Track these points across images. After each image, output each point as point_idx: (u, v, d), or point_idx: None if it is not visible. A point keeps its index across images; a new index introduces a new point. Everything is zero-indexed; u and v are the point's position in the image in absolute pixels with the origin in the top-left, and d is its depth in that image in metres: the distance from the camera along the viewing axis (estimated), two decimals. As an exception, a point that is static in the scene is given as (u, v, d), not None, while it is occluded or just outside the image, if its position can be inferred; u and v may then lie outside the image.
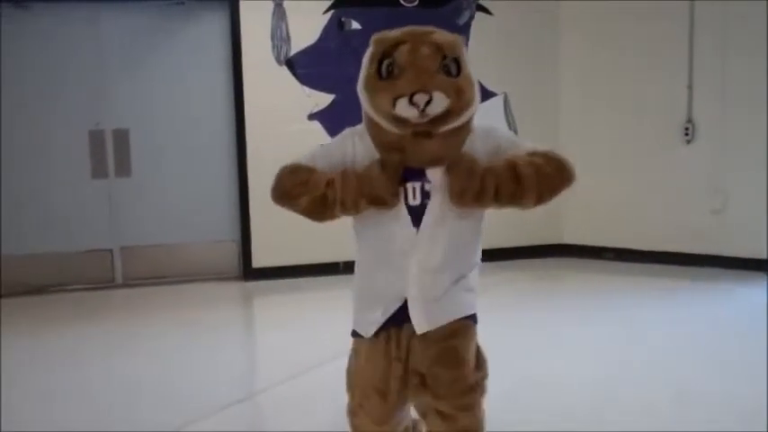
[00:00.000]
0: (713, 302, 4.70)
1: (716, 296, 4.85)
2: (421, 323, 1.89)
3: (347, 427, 2.09)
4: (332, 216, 1.87)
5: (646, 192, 5.82)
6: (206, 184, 5.75)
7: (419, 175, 1.84)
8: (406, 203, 1.85)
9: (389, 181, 1.80)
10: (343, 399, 2.08)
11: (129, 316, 4.90)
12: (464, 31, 5.77)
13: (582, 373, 3.41)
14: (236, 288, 5.62)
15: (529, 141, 1.94)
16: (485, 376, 2.01)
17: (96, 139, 5.57)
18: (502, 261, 5.64)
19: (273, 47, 5.58)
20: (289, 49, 5.60)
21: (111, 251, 5.68)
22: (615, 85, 5.88)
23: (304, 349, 3.88)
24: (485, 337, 2.06)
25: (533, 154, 1.86)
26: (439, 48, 1.77)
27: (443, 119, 1.77)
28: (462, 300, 1.95)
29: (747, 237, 5.40)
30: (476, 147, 1.86)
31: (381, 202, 1.81)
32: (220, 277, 5.77)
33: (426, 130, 1.77)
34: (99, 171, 5.59)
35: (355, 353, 2.03)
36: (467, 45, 2.09)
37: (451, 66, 1.78)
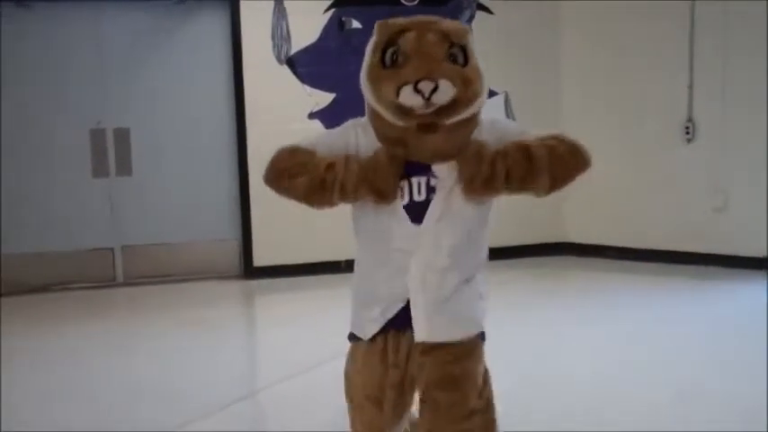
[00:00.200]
0: (714, 301, 4.70)
1: (716, 295, 4.85)
2: (422, 329, 1.78)
3: (347, 426, 2.06)
4: (330, 202, 1.75)
5: (647, 191, 5.82)
6: (207, 182, 5.76)
7: (424, 169, 1.74)
8: (411, 199, 1.75)
9: (393, 174, 1.71)
10: (344, 397, 2.05)
11: (130, 315, 4.91)
12: (465, 30, 5.77)
13: (582, 372, 3.42)
14: (237, 287, 5.62)
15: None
16: (488, 403, 1.87)
17: (97, 138, 5.57)
18: (504, 259, 5.63)
19: (274, 46, 5.58)
20: (289, 48, 5.60)
21: (112, 250, 5.68)
22: (616, 84, 5.88)
23: (305, 348, 3.88)
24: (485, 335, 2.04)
25: (545, 138, 1.76)
26: (445, 35, 1.68)
27: (449, 109, 1.66)
28: (472, 309, 1.84)
29: (748, 236, 5.40)
30: (483, 138, 1.76)
31: (382, 194, 1.71)
32: (221, 276, 5.77)
33: (431, 121, 1.67)
34: (100, 170, 5.60)
35: (352, 357, 1.92)
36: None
37: (458, 54, 1.69)
